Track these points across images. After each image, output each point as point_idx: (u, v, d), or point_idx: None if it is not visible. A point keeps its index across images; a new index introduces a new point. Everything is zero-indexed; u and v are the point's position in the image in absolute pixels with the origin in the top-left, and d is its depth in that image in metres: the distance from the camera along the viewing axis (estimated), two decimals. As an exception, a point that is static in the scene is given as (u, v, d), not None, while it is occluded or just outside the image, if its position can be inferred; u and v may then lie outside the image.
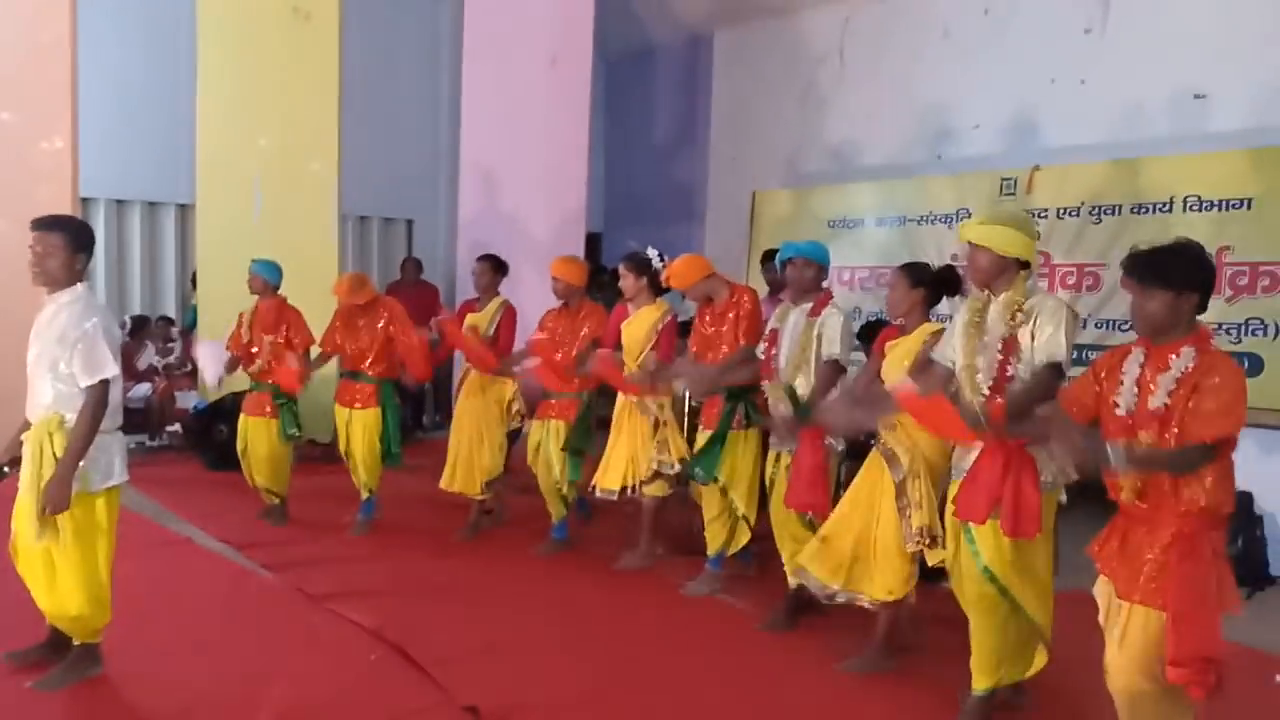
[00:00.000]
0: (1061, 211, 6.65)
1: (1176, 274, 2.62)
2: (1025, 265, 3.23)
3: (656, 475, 4.97)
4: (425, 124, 10.29)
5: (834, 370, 4.07)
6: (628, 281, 5.11)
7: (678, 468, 4.96)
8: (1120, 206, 6.39)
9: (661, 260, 5.17)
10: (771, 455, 4.33)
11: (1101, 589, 2.82)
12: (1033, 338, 3.14)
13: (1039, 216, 6.70)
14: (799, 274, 4.21)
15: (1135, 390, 2.68)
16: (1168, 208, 6.15)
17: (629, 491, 5.00)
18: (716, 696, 3.62)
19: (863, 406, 3.68)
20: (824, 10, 8.77)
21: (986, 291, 3.29)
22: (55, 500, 3.25)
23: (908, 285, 3.86)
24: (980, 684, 3.33)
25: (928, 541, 3.65)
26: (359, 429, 5.63)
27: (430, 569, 5.08)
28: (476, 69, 8.57)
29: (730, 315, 4.62)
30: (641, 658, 3.98)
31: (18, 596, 3.50)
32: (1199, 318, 2.70)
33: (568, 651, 4.02)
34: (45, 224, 3.41)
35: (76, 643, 3.52)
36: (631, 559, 5.15)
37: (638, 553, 5.15)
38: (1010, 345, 3.19)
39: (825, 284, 4.30)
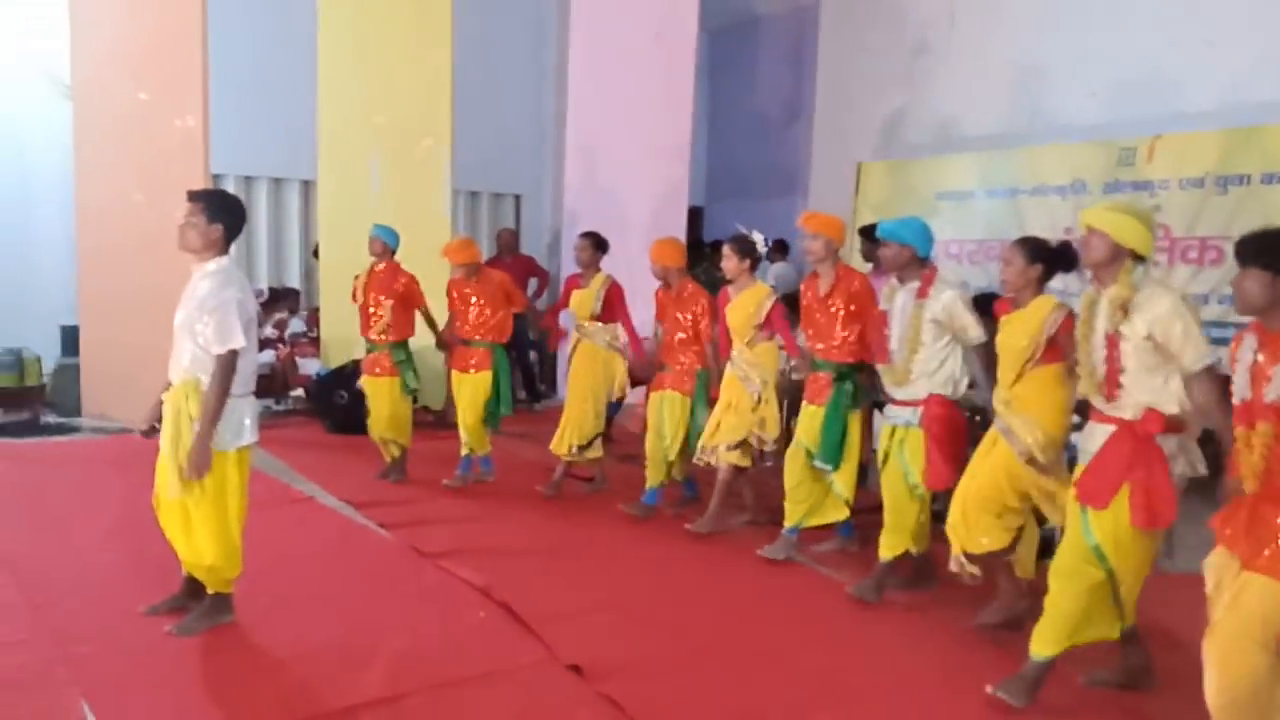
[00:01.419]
0: (1184, 183, 6.38)
1: (1277, 254, 2.55)
2: (1140, 259, 3.20)
3: (740, 444, 5.04)
4: (532, 101, 10.46)
5: (985, 352, 4.04)
6: (730, 263, 5.12)
7: (773, 446, 5.06)
8: (1248, 176, 6.09)
9: (766, 244, 5.23)
10: (886, 429, 4.32)
11: (1216, 561, 2.75)
12: (1150, 338, 3.08)
13: (1159, 188, 6.46)
14: (888, 253, 4.20)
15: (1249, 378, 2.63)
16: (1303, 176, 5.86)
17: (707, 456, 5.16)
18: (814, 662, 3.67)
19: None
20: (934, -24, 8.56)
21: (1096, 285, 3.28)
22: (197, 465, 3.48)
23: (1025, 261, 3.78)
24: (1043, 650, 3.29)
25: None
26: (468, 390, 5.89)
27: (537, 531, 5.25)
28: (581, 45, 8.68)
29: (837, 302, 4.59)
30: (740, 622, 4.05)
31: (164, 551, 3.77)
32: None
33: (669, 613, 4.12)
34: (190, 194, 3.66)
35: (210, 592, 3.75)
36: (702, 523, 5.19)
37: (707, 517, 5.20)
38: (1114, 341, 3.18)
39: (929, 260, 4.22)
